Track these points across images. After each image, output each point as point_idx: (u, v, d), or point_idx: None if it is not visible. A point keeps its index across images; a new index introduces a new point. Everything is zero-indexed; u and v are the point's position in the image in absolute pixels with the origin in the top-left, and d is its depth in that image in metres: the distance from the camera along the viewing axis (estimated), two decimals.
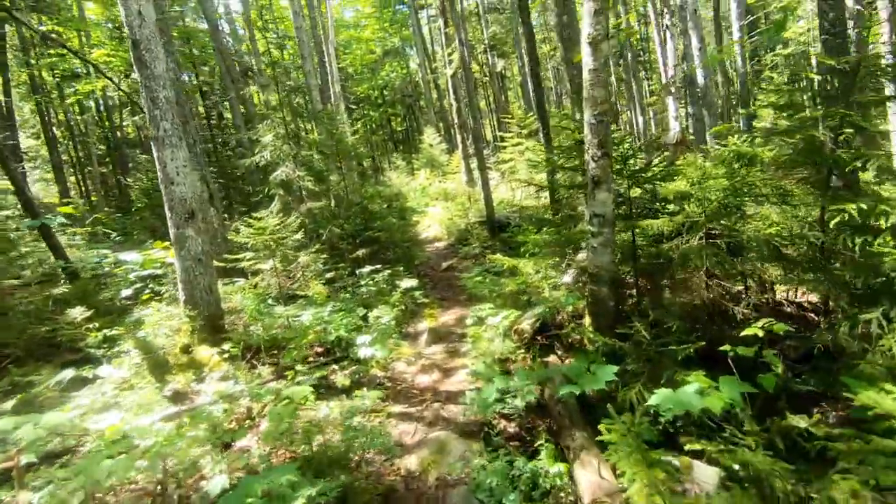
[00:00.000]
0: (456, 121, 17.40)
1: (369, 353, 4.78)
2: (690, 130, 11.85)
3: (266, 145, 9.13)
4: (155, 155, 5.75)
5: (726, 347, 3.07)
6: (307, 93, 16.55)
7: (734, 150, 4.87)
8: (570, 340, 4.77)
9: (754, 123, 14.13)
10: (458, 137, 17.42)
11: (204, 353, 5.58)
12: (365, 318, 6.35)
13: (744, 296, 4.30)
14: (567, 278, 6.52)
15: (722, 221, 3.88)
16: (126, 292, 7.02)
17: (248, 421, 4.53)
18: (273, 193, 9.45)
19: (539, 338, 4.89)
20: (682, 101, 10.30)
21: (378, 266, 7.90)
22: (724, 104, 21.06)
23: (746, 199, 4.01)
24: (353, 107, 30.21)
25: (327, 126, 10.42)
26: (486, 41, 22.63)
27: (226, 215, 11.43)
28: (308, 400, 4.50)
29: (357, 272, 7.89)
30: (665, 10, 10.15)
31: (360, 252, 8.73)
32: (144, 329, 5.74)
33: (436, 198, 17.26)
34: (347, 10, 33.02)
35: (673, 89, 10.25)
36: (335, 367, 5.72)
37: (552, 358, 4.70)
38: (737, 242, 3.91)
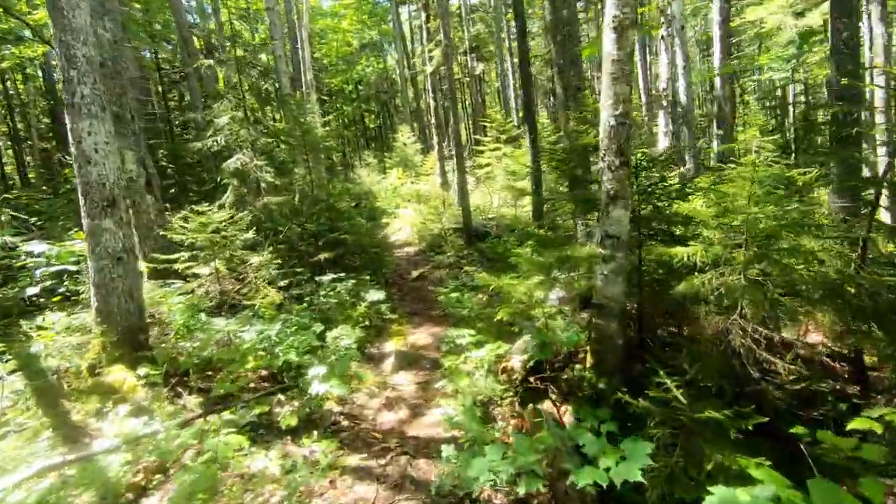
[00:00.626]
0: (433, 120, 16.51)
1: (323, 390, 3.82)
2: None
3: (221, 128, 7.98)
4: (69, 126, 4.60)
5: (799, 430, 2.29)
6: (276, 79, 15.32)
7: (768, 172, 4.19)
8: (567, 384, 3.94)
9: (735, 145, 13.86)
10: (435, 138, 16.53)
11: (116, 375, 4.47)
12: (322, 336, 5.36)
13: (778, 344, 3.57)
14: (553, 298, 5.72)
15: (773, 256, 3.12)
16: (32, 290, 5.77)
17: (158, 476, 3.48)
18: (226, 183, 8.29)
19: (531, 379, 4.04)
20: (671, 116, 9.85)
21: (341, 274, 6.90)
22: (702, 124, 21.01)
23: (797, 230, 3.28)
24: (326, 98, 28.88)
25: (294, 113, 9.33)
26: (468, 42, 21.86)
27: (167, 206, 10.14)
28: (240, 450, 3.51)
29: (317, 280, 6.86)
30: (662, 19, 9.59)
31: (323, 256, 7.70)
32: (40, 341, 4.57)
33: (408, 199, 16.28)
34: (324, 1, 31.65)
35: (665, 103, 9.68)
36: (281, 397, 4.71)
37: (546, 405, 3.86)
38: (786, 281, 3.17)
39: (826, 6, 9.00)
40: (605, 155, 3.79)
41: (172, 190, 12.10)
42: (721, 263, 3.29)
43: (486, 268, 8.91)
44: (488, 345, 4.13)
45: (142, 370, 4.41)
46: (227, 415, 4.03)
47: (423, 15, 16.08)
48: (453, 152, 15.70)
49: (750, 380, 3.22)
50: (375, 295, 6.57)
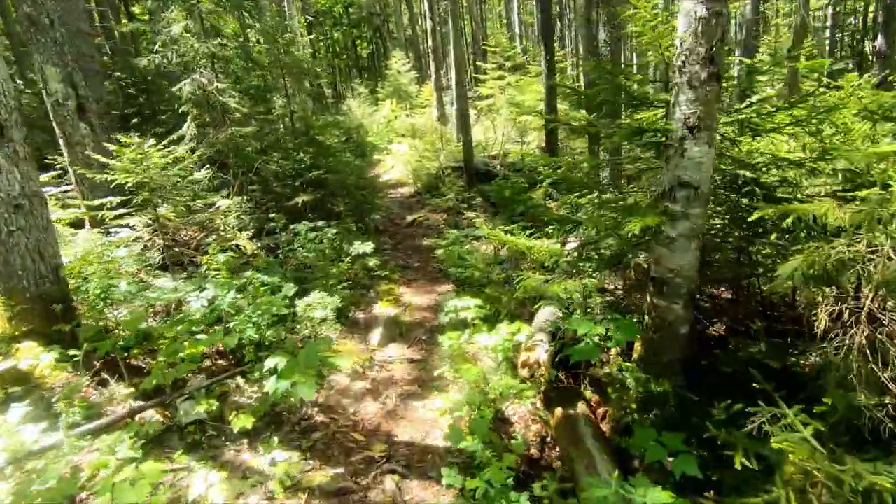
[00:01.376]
0: (430, 44, 14.65)
1: (283, 388, 2.82)
2: None
3: (174, 41, 6.48)
4: None
5: None
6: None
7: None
8: (608, 380, 2.94)
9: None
10: (432, 65, 14.75)
11: (23, 358, 3.43)
12: (293, 303, 4.31)
13: None
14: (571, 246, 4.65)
15: None
16: None
17: None
18: (184, 111, 6.91)
19: (560, 375, 3.03)
20: None
21: (319, 223, 5.74)
22: None
23: None
24: (313, 20, 26.28)
25: (270, 30, 7.75)
26: None
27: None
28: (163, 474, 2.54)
29: (293, 229, 5.72)
30: None
31: (301, 199, 6.50)
32: None
33: (402, 133, 14.78)
34: None
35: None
36: (239, 381, 3.74)
37: (580, 408, 2.88)
38: None
39: None
40: (683, 64, 2.55)
41: (136, 119, 10.58)
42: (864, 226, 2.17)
43: (490, 214, 7.77)
44: (502, 326, 3.10)
45: (54, 352, 3.38)
46: (157, 417, 3.04)
47: None
48: (452, 81, 14.03)
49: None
50: (362, 247, 5.46)
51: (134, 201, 4.69)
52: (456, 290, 5.03)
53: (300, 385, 2.78)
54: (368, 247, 5.54)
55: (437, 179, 10.10)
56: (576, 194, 4.27)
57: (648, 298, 2.88)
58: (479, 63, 16.27)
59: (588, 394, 3.07)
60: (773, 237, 2.76)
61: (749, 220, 2.33)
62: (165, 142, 5.70)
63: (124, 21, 14.41)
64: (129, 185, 4.28)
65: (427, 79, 20.27)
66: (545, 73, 7.27)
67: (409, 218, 8.34)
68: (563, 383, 2.96)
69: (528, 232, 5.63)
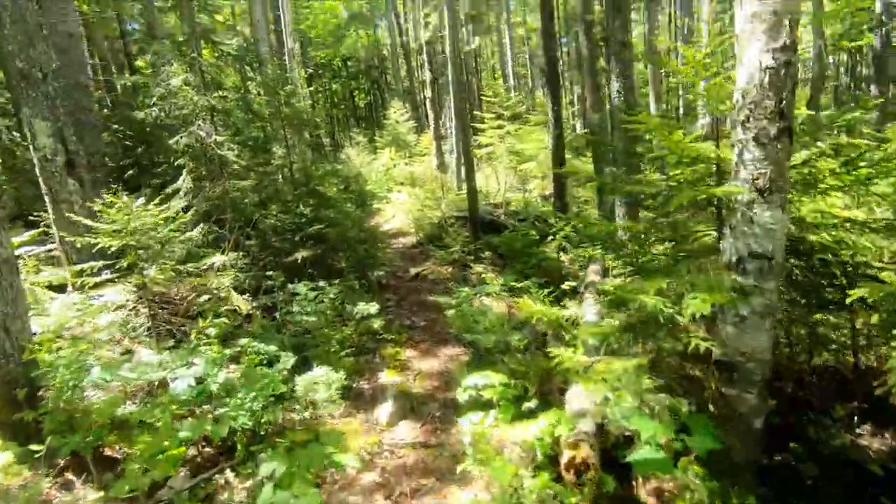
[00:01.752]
0: (429, 95, 14.76)
1: (281, 501, 2.30)
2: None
3: (172, 94, 6.26)
4: None
5: None
6: (255, 47, 13.43)
7: None
8: (669, 489, 2.46)
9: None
10: (430, 115, 14.81)
11: None
12: (292, 377, 3.83)
13: None
14: (590, 314, 4.23)
15: None
16: None
17: None
18: (181, 164, 6.61)
19: (610, 477, 2.54)
20: None
21: (321, 283, 5.32)
22: None
23: None
24: (312, 73, 26.83)
25: (271, 81, 7.62)
26: (465, 13, 19.92)
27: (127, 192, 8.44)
28: None
29: (291, 288, 5.29)
30: None
31: (301, 255, 6.11)
32: None
33: (401, 182, 14.63)
34: None
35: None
36: (229, 476, 3.20)
37: None
38: None
39: None
40: (748, 119, 2.23)
41: (132, 171, 10.31)
42: None
43: (498, 267, 7.39)
44: (543, 416, 2.64)
45: (11, 449, 2.86)
46: None
47: None
48: (451, 130, 14.01)
49: None
50: (366, 307, 5.02)
51: (118, 266, 4.26)
52: (469, 361, 4.56)
53: (302, 499, 2.28)
54: (373, 307, 5.10)
55: (439, 229, 9.78)
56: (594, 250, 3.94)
57: (712, 386, 2.45)
58: (476, 112, 16.39)
59: (640, 492, 2.57)
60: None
61: (847, 300, 1.93)
62: (161, 196, 5.37)
63: (127, 74, 14.46)
64: (113, 249, 3.87)
65: (425, 128, 20.45)
66: (552, 122, 7.09)
67: (413, 271, 7.94)
68: (615, 488, 2.47)
69: (545, 291, 5.24)
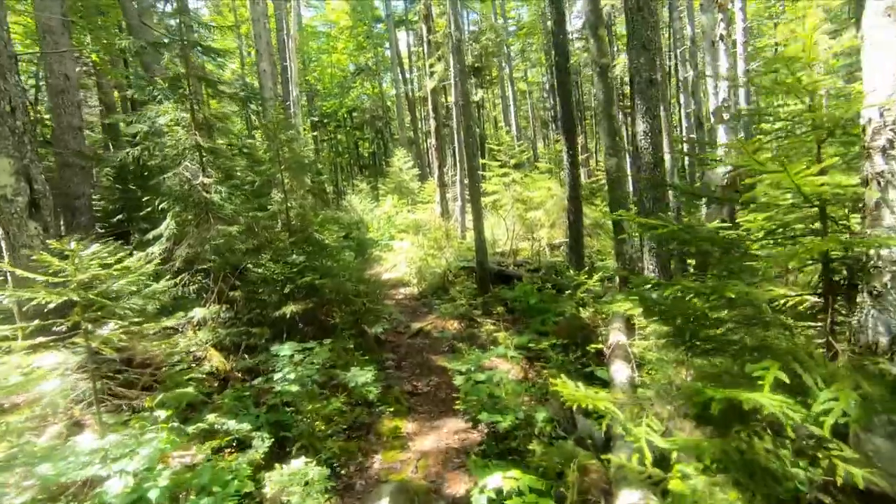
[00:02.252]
0: (433, 143, 14.49)
1: None
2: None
3: (159, 131, 5.77)
4: None
5: None
6: (261, 97, 13.30)
7: None
8: None
9: None
10: (435, 162, 14.48)
11: None
12: (266, 464, 3.03)
13: None
14: (620, 377, 3.47)
15: None
16: None
17: None
18: (166, 208, 6.03)
19: None
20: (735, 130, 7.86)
21: (311, 345, 4.57)
22: None
23: None
24: (318, 122, 27.07)
25: (270, 126, 7.18)
26: (469, 64, 20.15)
27: (113, 238, 7.84)
28: None
29: (275, 352, 4.54)
30: (716, 8, 7.68)
31: (290, 309, 5.38)
32: None
33: (404, 229, 14.08)
34: (320, 26, 30.12)
35: (727, 115, 7.69)
36: None
37: None
38: None
39: None
40: (891, 143, 1.59)
41: (120, 216, 9.76)
42: None
43: (511, 324, 6.65)
44: None
45: None
46: None
47: (424, 28, 14.26)
48: (456, 178, 13.63)
49: None
50: (360, 375, 4.25)
51: (67, 323, 3.55)
52: (483, 444, 3.74)
53: None
54: (368, 375, 4.34)
55: (443, 280, 9.10)
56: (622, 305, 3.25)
57: None
58: (481, 161, 16.11)
59: None
60: None
61: None
62: (138, 242, 4.73)
63: (125, 115, 14.24)
64: (51, 305, 3.17)
65: (428, 176, 20.21)
66: (567, 167, 6.57)
67: (415, 326, 7.18)
68: None
69: (570, 357, 4.48)
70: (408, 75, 25.76)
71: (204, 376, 4.96)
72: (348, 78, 27.40)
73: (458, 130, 12.82)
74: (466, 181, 13.67)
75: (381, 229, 15.29)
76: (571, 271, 6.43)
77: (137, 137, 5.59)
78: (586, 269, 6.54)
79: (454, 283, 8.44)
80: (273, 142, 7.25)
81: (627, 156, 10.39)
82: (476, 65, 19.75)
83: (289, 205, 7.17)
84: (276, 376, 4.04)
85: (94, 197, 9.28)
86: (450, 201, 15.27)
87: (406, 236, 12.75)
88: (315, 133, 29.01)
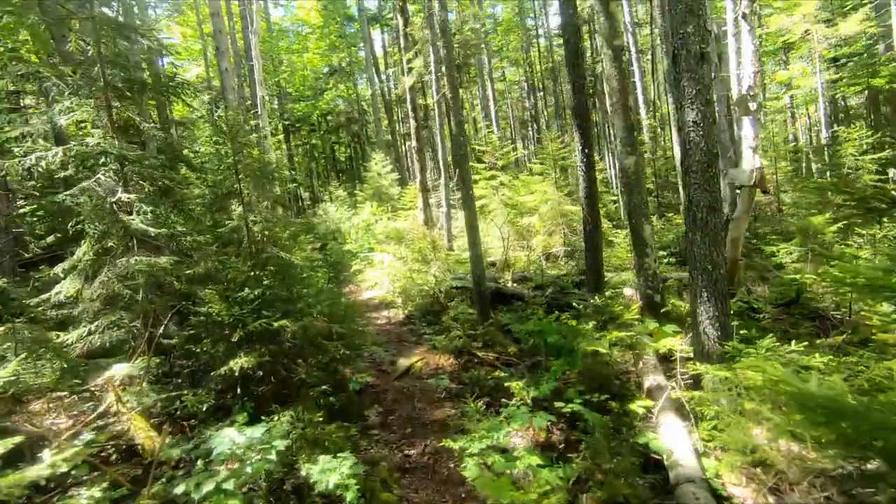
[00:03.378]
0: (414, 145, 13.20)
1: None
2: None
3: (57, 135, 4.35)
4: None
5: None
6: (223, 97, 11.78)
7: None
8: None
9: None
10: (416, 165, 13.20)
11: None
12: None
13: None
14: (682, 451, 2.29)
15: None
16: None
17: None
18: (81, 230, 4.61)
19: None
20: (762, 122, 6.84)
21: (258, 430, 3.23)
22: None
23: None
24: (290, 125, 25.48)
25: (227, 127, 5.78)
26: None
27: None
28: None
29: (209, 436, 3.20)
30: None
31: (239, 363, 4.03)
32: None
33: (383, 240, 12.73)
34: (290, 25, 28.44)
35: (753, 105, 6.62)
36: None
37: None
38: None
39: None
40: None
41: (52, 236, 8.21)
42: None
43: (517, 359, 5.40)
44: None
45: None
46: None
47: (400, 20, 12.95)
48: (440, 182, 12.37)
49: None
50: (330, 470, 2.95)
51: None
52: None
53: None
54: (344, 467, 3.03)
55: (432, 300, 7.82)
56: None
57: None
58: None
59: None
60: None
61: None
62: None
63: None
64: None
65: (408, 181, 18.86)
66: (582, 165, 5.37)
67: (403, 363, 5.88)
68: None
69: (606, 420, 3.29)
70: (384, 76, 24.39)
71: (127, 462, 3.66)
72: (321, 79, 25.86)
73: (442, 128, 11.55)
74: (453, 184, 12.44)
75: (359, 239, 13.91)
76: (595, 298, 5.22)
77: (30, 140, 4.16)
78: (606, 294, 5.36)
79: (448, 307, 7.18)
80: (230, 146, 5.87)
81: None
82: (456, 62, 18.51)
83: (251, 219, 5.79)
84: (206, 488, 2.70)
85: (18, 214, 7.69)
86: (433, 206, 14.00)
87: (387, 247, 11.40)
88: (287, 139, 27.39)
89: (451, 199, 11.98)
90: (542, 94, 26.24)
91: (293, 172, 28.38)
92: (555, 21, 22.56)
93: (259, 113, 12.99)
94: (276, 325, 4.29)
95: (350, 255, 12.51)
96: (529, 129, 28.59)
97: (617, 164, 9.36)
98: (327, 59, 25.75)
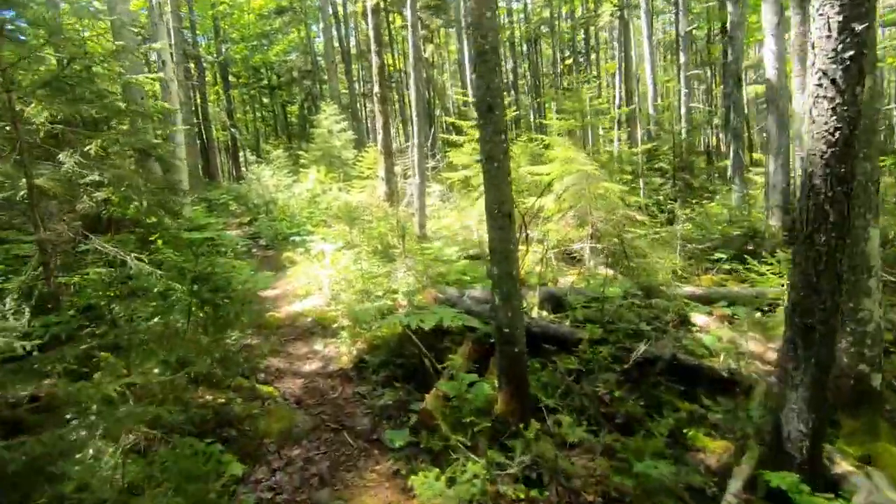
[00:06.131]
0: (376, 90, 9.38)
1: None
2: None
3: None
4: None
5: None
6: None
7: None
8: None
9: None
10: (379, 120, 9.42)
11: None
12: None
13: None
14: None
15: None
16: None
17: None
18: None
19: None
20: None
21: None
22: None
23: None
24: (231, 73, 20.72)
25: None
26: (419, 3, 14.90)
27: None
28: None
29: None
30: None
31: None
32: None
33: (328, 217, 8.98)
34: None
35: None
36: None
37: None
38: None
39: None
40: None
41: None
42: None
43: None
44: None
45: None
46: None
47: None
48: (413, 142, 8.70)
49: None
50: None
51: None
52: None
53: None
54: None
55: (401, 341, 4.30)
56: None
57: None
58: (448, 119, 11.28)
59: None
60: None
61: None
62: None
63: None
64: None
65: (366, 142, 14.95)
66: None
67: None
68: None
69: None
70: (341, 24, 19.94)
71: None
72: (268, 18, 21.04)
73: (415, 67, 7.84)
74: (427, 146, 8.81)
75: (300, 213, 10.08)
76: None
77: None
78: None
79: (428, 349, 3.73)
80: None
81: None
82: (431, 2, 14.55)
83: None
84: None
85: None
86: (399, 176, 10.35)
87: (333, 230, 7.67)
88: (227, 88, 22.54)
89: (425, 165, 8.39)
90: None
91: (235, 130, 23.61)
92: None
93: (156, 32, 8.67)
94: None
95: (282, 237, 8.75)
96: (513, 91, 24.77)
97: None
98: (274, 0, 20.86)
